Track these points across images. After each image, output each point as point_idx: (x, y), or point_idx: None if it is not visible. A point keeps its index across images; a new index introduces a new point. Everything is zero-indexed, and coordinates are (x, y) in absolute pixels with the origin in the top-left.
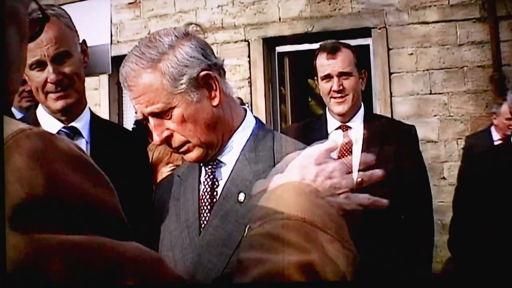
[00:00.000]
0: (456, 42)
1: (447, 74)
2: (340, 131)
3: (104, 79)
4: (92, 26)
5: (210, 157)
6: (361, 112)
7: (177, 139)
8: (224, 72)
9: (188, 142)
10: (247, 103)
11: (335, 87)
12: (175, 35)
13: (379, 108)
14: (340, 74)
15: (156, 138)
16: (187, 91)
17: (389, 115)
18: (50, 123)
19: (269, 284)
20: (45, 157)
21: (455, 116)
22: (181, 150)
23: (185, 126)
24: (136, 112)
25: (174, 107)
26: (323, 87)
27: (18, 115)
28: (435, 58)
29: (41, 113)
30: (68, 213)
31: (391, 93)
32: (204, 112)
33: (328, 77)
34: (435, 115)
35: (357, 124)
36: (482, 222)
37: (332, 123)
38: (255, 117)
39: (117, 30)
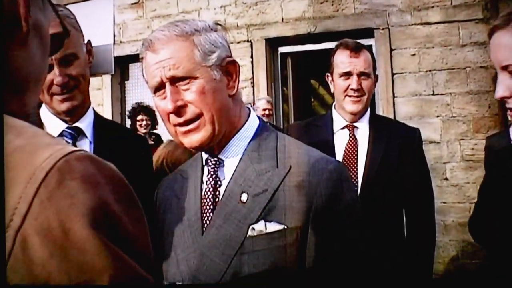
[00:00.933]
0: (459, 43)
1: (450, 74)
2: (346, 130)
3: (107, 79)
4: (95, 26)
5: (214, 144)
6: (368, 112)
7: (190, 111)
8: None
9: (201, 116)
10: (249, 103)
11: (353, 86)
12: (208, 24)
13: (381, 109)
14: (361, 74)
15: (169, 105)
16: (212, 68)
17: (392, 116)
18: (53, 123)
19: (269, 284)
20: (95, 182)
21: (458, 117)
22: (190, 126)
23: (203, 98)
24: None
25: (196, 78)
26: (340, 84)
27: None
28: (438, 58)
29: (45, 113)
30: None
31: (393, 94)
32: (222, 94)
33: (348, 74)
34: (437, 116)
35: (363, 125)
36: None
37: (339, 122)
38: (259, 117)
39: (120, 30)
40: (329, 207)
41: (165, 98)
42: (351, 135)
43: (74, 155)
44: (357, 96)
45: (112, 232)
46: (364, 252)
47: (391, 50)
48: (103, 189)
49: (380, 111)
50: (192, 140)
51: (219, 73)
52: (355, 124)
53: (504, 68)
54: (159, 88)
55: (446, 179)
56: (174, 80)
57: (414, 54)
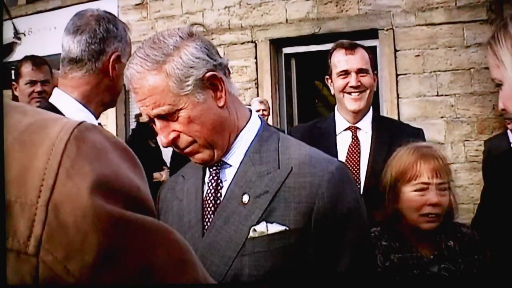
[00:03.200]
0: (463, 44)
1: (454, 75)
2: (348, 132)
3: None
4: None
5: (218, 158)
6: (370, 113)
7: (184, 140)
8: (229, 72)
9: (194, 142)
10: (248, 104)
11: (352, 83)
12: (180, 36)
13: (385, 110)
14: (359, 71)
15: (163, 140)
16: (193, 92)
17: (396, 117)
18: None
19: (268, 284)
20: (106, 148)
21: (462, 118)
22: (187, 151)
23: (192, 127)
24: (141, 115)
25: (180, 109)
26: (339, 83)
27: None
28: (442, 59)
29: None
30: (124, 196)
31: (397, 95)
32: (210, 113)
33: (345, 73)
34: (441, 117)
35: (366, 126)
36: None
37: (341, 123)
38: (260, 118)
39: None
40: (331, 208)
41: (159, 130)
42: (353, 136)
43: (83, 125)
44: (358, 93)
45: (126, 189)
46: (367, 253)
47: (395, 51)
48: (113, 154)
49: (384, 112)
50: (197, 159)
51: (202, 92)
52: (357, 125)
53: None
54: (150, 120)
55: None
56: (160, 116)
57: (418, 55)
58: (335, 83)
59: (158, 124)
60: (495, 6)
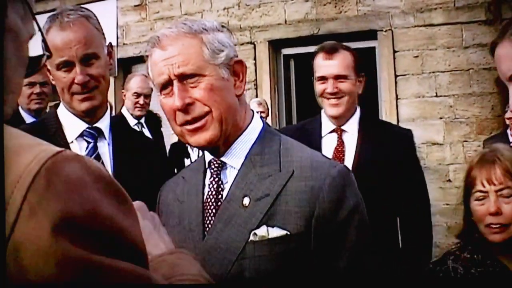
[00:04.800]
0: (462, 45)
1: (453, 76)
2: (334, 134)
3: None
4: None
5: (221, 143)
6: (357, 115)
7: (198, 109)
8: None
9: (209, 113)
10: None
11: (329, 89)
12: (215, 24)
13: (384, 111)
14: (336, 77)
15: (177, 102)
16: (221, 66)
17: (395, 118)
18: (74, 123)
19: (268, 284)
20: (83, 183)
21: (461, 119)
22: (197, 124)
23: (212, 95)
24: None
25: (205, 76)
26: (318, 87)
27: (28, 117)
28: (441, 60)
29: (64, 113)
30: (97, 238)
31: (396, 96)
32: (230, 93)
33: (323, 78)
34: (440, 118)
35: (352, 128)
36: None
37: (327, 126)
38: (262, 120)
39: (123, 32)
40: (332, 212)
41: (172, 95)
42: (339, 139)
43: (61, 155)
44: (336, 99)
45: (102, 229)
46: (368, 258)
47: (394, 52)
48: (91, 188)
49: (383, 113)
50: (199, 138)
51: (227, 72)
52: (343, 127)
53: (510, 78)
54: (166, 85)
55: (449, 180)
56: (182, 78)
57: (417, 56)
58: (315, 87)
59: (176, 86)
60: (493, 7)
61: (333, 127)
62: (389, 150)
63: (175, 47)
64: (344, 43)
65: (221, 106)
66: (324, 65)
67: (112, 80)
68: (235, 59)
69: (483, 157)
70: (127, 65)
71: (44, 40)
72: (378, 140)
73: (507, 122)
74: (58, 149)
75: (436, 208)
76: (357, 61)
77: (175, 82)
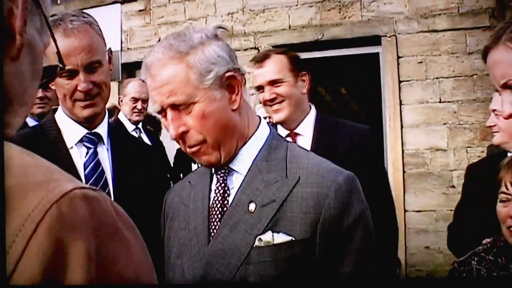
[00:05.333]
0: (466, 50)
1: (457, 82)
2: (289, 138)
3: (114, 85)
4: (103, 33)
5: (223, 162)
6: (311, 116)
7: (193, 137)
8: (245, 80)
9: (204, 142)
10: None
11: (267, 96)
12: (205, 34)
13: (388, 116)
14: (271, 83)
15: (172, 132)
16: (211, 88)
17: (399, 123)
18: (73, 129)
19: (268, 284)
20: (85, 229)
21: (465, 125)
22: (194, 150)
23: (204, 123)
24: (143, 116)
25: (195, 102)
26: (259, 97)
27: (31, 121)
28: (445, 66)
29: (63, 119)
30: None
31: (400, 101)
32: (224, 113)
33: (260, 88)
34: (444, 123)
35: (306, 130)
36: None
37: (281, 131)
38: (269, 126)
39: (127, 37)
40: (337, 219)
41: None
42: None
43: (67, 198)
44: (276, 105)
45: (102, 276)
46: (372, 264)
47: (398, 57)
48: (96, 234)
49: (386, 119)
50: (202, 160)
51: (219, 91)
52: (296, 131)
53: (504, 85)
54: (161, 112)
55: (453, 186)
56: (174, 106)
57: (421, 62)
58: (258, 97)
59: (169, 115)
60: (497, 12)
61: (286, 132)
62: (345, 149)
63: (162, 76)
64: (348, 49)
65: (215, 132)
66: (257, 75)
67: (115, 84)
68: (227, 75)
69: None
70: (131, 70)
71: (58, 52)
72: (333, 141)
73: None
74: (67, 186)
75: (439, 214)
76: (293, 62)
77: (168, 111)
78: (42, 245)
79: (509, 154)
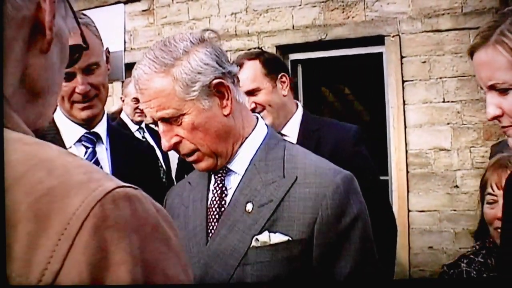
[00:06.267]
0: None
1: (460, 82)
2: None
3: (117, 86)
4: (106, 33)
5: (221, 166)
6: (296, 117)
7: (186, 146)
8: (238, 80)
9: (197, 150)
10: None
11: (248, 106)
12: (191, 41)
13: (392, 116)
14: (248, 93)
15: (165, 143)
16: (198, 98)
17: (402, 123)
18: (72, 128)
19: (268, 284)
20: (129, 229)
21: (468, 125)
22: (190, 159)
23: (195, 134)
24: (145, 116)
25: (184, 114)
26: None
27: None
28: (448, 66)
29: (61, 118)
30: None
31: (404, 101)
32: (214, 120)
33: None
34: (448, 123)
35: (292, 131)
36: None
37: None
38: (267, 126)
39: (131, 37)
40: (335, 219)
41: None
42: None
43: (110, 197)
44: (258, 113)
45: (145, 276)
46: (369, 266)
47: (402, 57)
48: (140, 234)
49: (390, 119)
50: (199, 167)
51: (208, 99)
52: (282, 132)
53: (491, 87)
54: (154, 122)
55: (457, 186)
56: (164, 119)
57: (424, 62)
58: None
59: (161, 127)
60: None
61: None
62: (330, 149)
63: (149, 91)
64: (352, 49)
65: (206, 141)
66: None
67: (119, 84)
68: (215, 82)
69: (498, 161)
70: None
71: (82, 33)
72: (319, 141)
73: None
74: (109, 185)
75: (443, 214)
76: (268, 66)
77: (160, 123)
78: (87, 244)
79: None
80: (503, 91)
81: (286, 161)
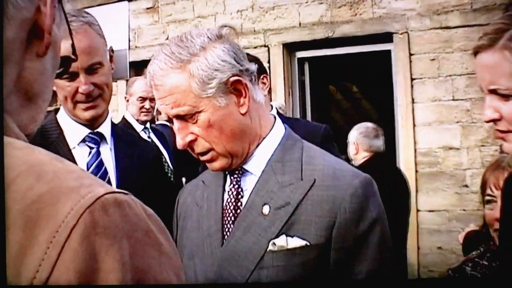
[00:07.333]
0: None
1: (470, 80)
2: None
3: (121, 84)
4: (110, 31)
5: (235, 166)
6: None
7: (200, 145)
8: (256, 78)
9: (212, 149)
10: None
11: None
12: (208, 37)
13: (400, 114)
14: None
15: (180, 141)
16: (215, 95)
17: (411, 122)
18: (75, 129)
19: (269, 284)
20: (119, 236)
21: (478, 123)
22: (204, 158)
23: (211, 132)
24: (160, 113)
25: (200, 111)
26: None
27: None
28: (458, 63)
29: (64, 119)
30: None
31: (412, 99)
32: (231, 119)
33: None
34: (457, 122)
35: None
36: None
37: None
38: (285, 126)
39: (135, 35)
40: (353, 223)
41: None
42: None
43: (99, 202)
44: None
45: (138, 280)
46: (388, 269)
47: (410, 55)
48: (130, 240)
49: (398, 117)
50: (213, 167)
51: (225, 97)
52: None
53: (492, 91)
54: (169, 119)
55: (466, 186)
56: (179, 117)
57: (433, 59)
58: None
59: (176, 124)
60: None
61: None
62: None
63: (164, 88)
64: (359, 46)
65: (222, 140)
66: None
67: (123, 83)
68: (232, 80)
69: (497, 162)
70: (140, 68)
71: (73, 44)
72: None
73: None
74: (99, 190)
75: (452, 214)
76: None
77: (175, 121)
78: (76, 251)
79: None
80: (504, 96)
81: (304, 163)
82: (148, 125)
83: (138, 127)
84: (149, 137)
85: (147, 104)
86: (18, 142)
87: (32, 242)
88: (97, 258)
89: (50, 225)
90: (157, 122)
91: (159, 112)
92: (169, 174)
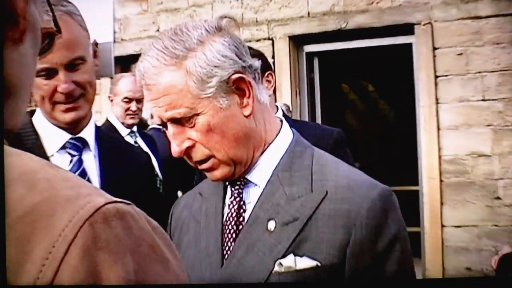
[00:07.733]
0: None
1: (503, 77)
2: None
3: (106, 82)
4: (93, 22)
5: (238, 175)
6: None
7: (199, 152)
8: (260, 76)
9: (212, 156)
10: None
11: None
12: (206, 29)
13: (423, 116)
14: None
15: (175, 148)
16: (215, 95)
17: (435, 125)
18: (54, 134)
19: (269, 284)
20: (122, 252)
21: (511, 126)
22: (203, 166)
23: (211, 137)
24: (152, 117)
25: (199, 114)
26: None
27: None
28: (489, 58)
29: (41, 122)
30: None
31: (437, 100)
32: (233, 122)
33: None
34: (488, 125)
35: None
36: None
37: None
38: (293, 130)
39: (121, 26)
40: (370, 241)
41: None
42: None
43: (100, 214)
44: None
45: None
46: None
47: (434, 49)
48: (134, 254)
49: (421, 120)
50: (213, 176)
51: (226, 97)
52: None
53: None
54: (162, 123)
55: (498, 198)
56: (175, 120)
57: (460, 54)
58: None
59: (170, 129)
60: None
61: None
62: None
63: (157, 87)
64: (376, 39)
65: (223, 146)
66: None
67: (108, 81)
68: (234, 77)
69: None
70: (126, 64)
71: (54, 18)
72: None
73: None
74: (99, 201)
75: (482, 230)
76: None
77: (169, 125)
78: (75, 269)
79: None
80: None
81: (314, 173)
82: (135, 128)
83: (124, 131)
84: (136, 142)
85: (133, 106)
86: (7, 147)
87: (25, 258)
88: (99, 277)
89: (45, 239)
90: (150, 126)
91: (151, 116)
92: (158, 185)
